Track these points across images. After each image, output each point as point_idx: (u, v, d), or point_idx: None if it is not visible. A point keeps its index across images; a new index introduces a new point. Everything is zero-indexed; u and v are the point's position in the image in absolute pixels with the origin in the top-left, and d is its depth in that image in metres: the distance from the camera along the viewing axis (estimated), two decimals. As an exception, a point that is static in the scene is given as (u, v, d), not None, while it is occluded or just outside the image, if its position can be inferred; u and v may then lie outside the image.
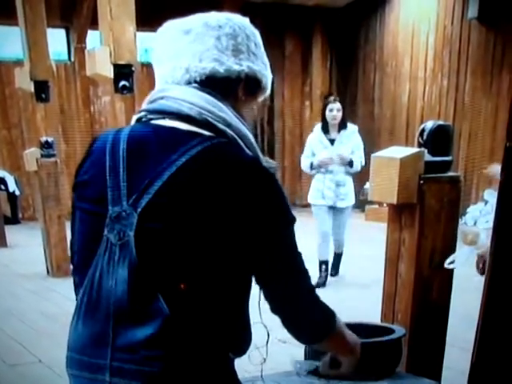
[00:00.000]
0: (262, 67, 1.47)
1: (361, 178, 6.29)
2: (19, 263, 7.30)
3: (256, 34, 1.47)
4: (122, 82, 4.79)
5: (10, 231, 8.77)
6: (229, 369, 1.44)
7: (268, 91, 1.51)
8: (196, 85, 1.40)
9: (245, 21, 1.47)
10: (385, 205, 3.11)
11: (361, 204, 10.65)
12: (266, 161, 1.41)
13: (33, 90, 7.02)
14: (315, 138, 6.41)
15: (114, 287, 1.35)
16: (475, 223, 2.50)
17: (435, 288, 2.75)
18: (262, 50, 1.48)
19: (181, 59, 1.40)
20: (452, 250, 2.78)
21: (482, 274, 2.30)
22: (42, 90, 7.01)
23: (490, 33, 9.59)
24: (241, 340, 1.44)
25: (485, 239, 2.22)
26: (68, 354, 1.44)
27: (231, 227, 1.31)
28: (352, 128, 6.39)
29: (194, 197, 1.30)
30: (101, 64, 4.80)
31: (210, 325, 1.36)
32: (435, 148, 2.71)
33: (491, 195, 2.47)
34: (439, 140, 2.73)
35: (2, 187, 9.91)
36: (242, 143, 1.38)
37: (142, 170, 1.35)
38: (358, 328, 2.38)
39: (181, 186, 1.31)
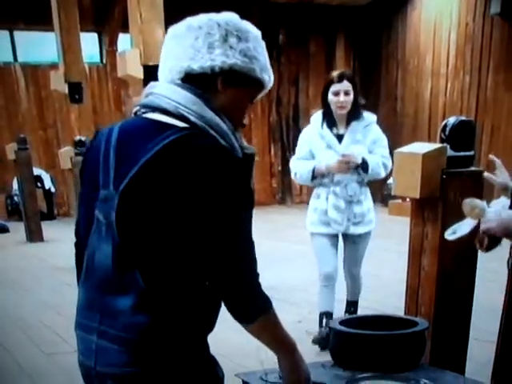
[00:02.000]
0: (244, 60, 1.54)
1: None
2: (55, 257, 7.43)
3: (242, 29, 1.56)
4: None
5: (46, 227, 8.95)
6: (202, 343, 1.56)
7: (265, 81, 1.60)
8: (179, 82, 1.55)
9: (229, 17, 1.57)
10: (408, 199, 3.12)
11: (384, 199, 10.78)
12: (245, 146, 1.55)
13: (67, 91, 7.22)
14: (314, 132, 4.15)
15: (103, 261, 1.52)
16: None
17: (459, 281, 2.73)
18: (248, 44, 1.55)
19: (168, 60, 1.58)
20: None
21: (482, 250, 2.22)
22: (75, 91, 7.20)
23: (512, 28, 9.63)
24: (210, 318, 1.56)
25: (492, 216, 2.15)
26: (76, 317, 1.63)
27: (193, 209, 1.43)
28: (370, 118, 4.15)
29: (163, 181, 1.44)
30: (131, 66, 4.97)
31: (183, 299, 1.48)
32: (457, 143, 2.71)
33: None
34: (461, 135, 2.73)
35: (39, 185, 10.11)
36: (213, 133, 1.49)
37: (127, 157, 1.50)
38: (382, 320, 2.48)
39: (153, 172, 1.45)
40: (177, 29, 1.59)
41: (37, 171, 9.83)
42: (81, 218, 1.64)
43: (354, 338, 2.31)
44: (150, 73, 4.88)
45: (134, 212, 1.47)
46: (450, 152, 2.70)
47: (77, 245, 1.70)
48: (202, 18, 1.56)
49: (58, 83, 7.37)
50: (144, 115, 1.57)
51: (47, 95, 10.29)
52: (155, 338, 1.47)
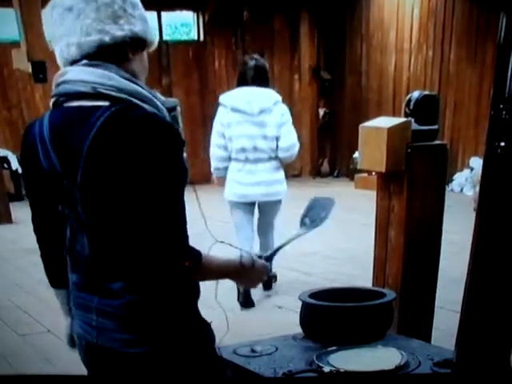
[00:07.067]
0: (143, 25, 1.59)
1: (350, 147, 6.04)
2: (24, 238, 7.18)
3: None
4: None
5: (15, 208, 8.80)
6: (193, 309, 1.63)
7: (156, 41, 1.65)
8: (86, 61, 1.54)
9: None
10: (374, 173, 3.12)
11: (350, 173, 10.90)
12: (165, 101, 1.57)
13: (31, 70, 7.10)
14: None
15: (82, 251, 1.58)
16: (461, 190, 2.56)
17: (424, 252, 2.79)
18: (139, 8, 1.60)
19: (71, 36, 1.53)
20: (439, 215, 2.74)
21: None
22: (39, 70, 7.03)
23: (474, 3, 9.70)
24: (196, 285, 1.62)
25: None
26: (71, 297, 1.70)
27: (139, 182, 1.44)
28: None
29: (111, 162, 1.45)
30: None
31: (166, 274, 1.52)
32: (422, 117, 2.75)
33: (476, 162, 2.56)
34: (425, 109, 2.77)
35: (6, 166, 9.95)
36: (138, 101, 1.51)
37: (69, 148, 1.51)
38: (351, 292, 2.52)
39: (98, 156, 1.46)
40: (69, 1, 1.54)
41: (3, 152, 9.71)
42: (39, 216, 1.70)
43: (323, 311, 2.34)
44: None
45: (98, 199, 1.50)
46: (415, 126, 2.73)
47: (39, 241, 1.76)
48: None
49: (20, 62, 7.22)
50: (65, 104, 1.56)
51: (10, 74, 10.03)
52: (150, 314, 1.53)
